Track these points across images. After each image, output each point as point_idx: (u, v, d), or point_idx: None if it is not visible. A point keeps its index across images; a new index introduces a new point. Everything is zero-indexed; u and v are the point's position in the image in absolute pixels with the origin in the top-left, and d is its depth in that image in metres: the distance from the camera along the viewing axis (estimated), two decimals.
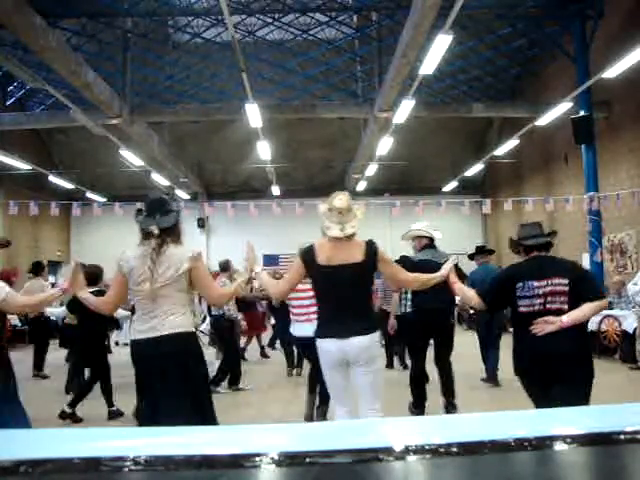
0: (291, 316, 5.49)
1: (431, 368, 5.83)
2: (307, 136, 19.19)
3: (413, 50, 9.38)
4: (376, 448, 0.81)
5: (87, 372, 7.66)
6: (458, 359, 6.04)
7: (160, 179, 17.57)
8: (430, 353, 5.76)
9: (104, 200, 18.17)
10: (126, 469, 0.77)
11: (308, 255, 3.45)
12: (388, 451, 0.80)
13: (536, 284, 3.41)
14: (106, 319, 5.71)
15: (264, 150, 14.91)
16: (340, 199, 3.46)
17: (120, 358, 6.25)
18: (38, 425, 4.44)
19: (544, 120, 12.70)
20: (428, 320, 5.48)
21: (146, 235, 3.33)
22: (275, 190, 19.33)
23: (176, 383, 3.21)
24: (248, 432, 1.03)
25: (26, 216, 14.27)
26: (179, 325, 3.24)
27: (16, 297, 3.80)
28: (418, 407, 5.57)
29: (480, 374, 7.53)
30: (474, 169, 17.74)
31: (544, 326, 3.29)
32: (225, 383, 7.32)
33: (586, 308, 3.34)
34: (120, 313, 6.50)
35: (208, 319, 8.16)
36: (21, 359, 7.72)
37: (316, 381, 5.12)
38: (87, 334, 5.95)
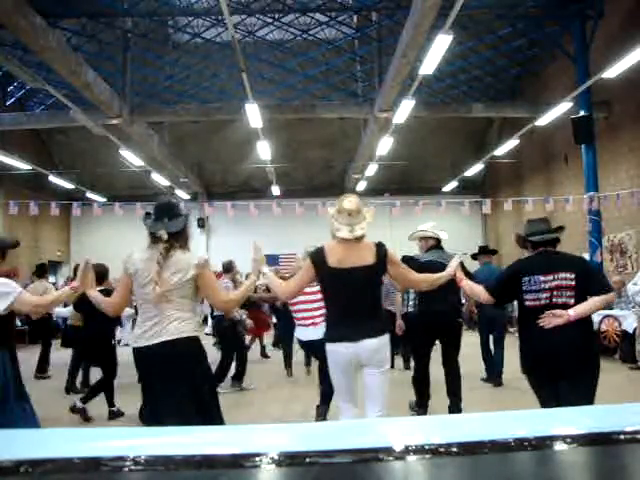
0: (295, 320, 5.47)
1: (433, 369, 5.82)
2: (307, 136, 19.19)
3: (413, 50, 9.38)
4: (376, 448, 0.81)
5: (83, 371, 7.69)
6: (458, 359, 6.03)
7: (160, 179, 17.57)
8: (433, 354, 5.75)
9: (104, 200, 18.18)
10: (126, 469, 0.77)
11: (318, 257, 3.44)
12: (388, 451, 0.80)
13: (542, 278, 3.42)
14: (112, 317, 5.74)
15: (264, 150, 14.91)
16: (350, 201, 3.45)
17: (120, 358, 6.24)
18: (42, 425, 4.44)
19: (544, 120, 12.70)
20: (435, 321, 5.46)
21: (154, 239, 3.33)
22: (275, 190, 19.33)
23: (180, 387, 3.20)
24: (248, 432, 1.03)
25: (26, 216, 14.27)
26: (182, 330, 3.22)
27: (29, 297, 3.79)
28: (422, 406, 5.56)
29: (480, 374, 7.53)
30: (474, 169, 17.73)
31: (551, 319, 3.30)
32: (225, 383, 7.32)
33: (593, 302, 3.36)
34: (125, 311, 6.53)
35: (210, 320, 8.17)
36: (22, 359, 7.71)
37: (323, 377, 5.12)
38: (95, 333, 6.00)
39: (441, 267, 4.07)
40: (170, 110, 14.57)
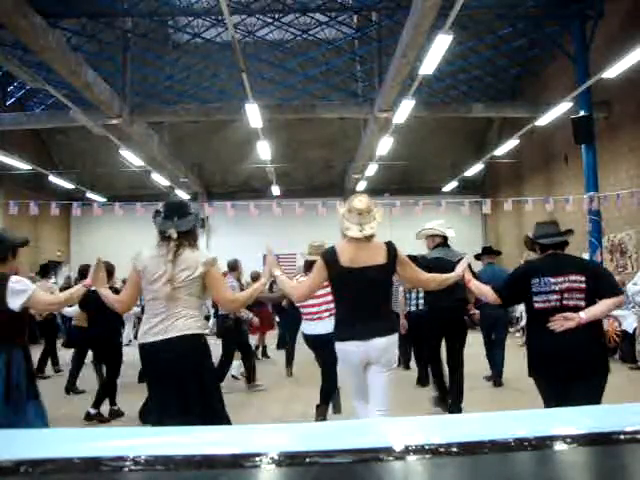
0: (302, 316, 5.50)
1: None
2: (307, 136, 19.18)
3: (413, 50, 9.38)
4: (376, 448, 0.81)
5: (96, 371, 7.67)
6: None
7: (160, 179, 17.56)
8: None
9: (104, 200, 18.18)
10: (126, 469, 0.77)
11: (330, 256, 3.46)
12: (388, 451, 0.80)
13: (552, 280, 3.41)
14: (117, 316, 5.76)
15: (264, 150, 14.90)
16: (360, 200, 3.48)
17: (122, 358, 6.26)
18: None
19: (544, 120, 12.70)
20: (441, 318, 5.50)
21: (164, 237, 3.36)
22: (275, 190, 19.32)
23: (187, 383, 3.23)
24: (248, 432, 1.03)
25: (26, 216, 14.26)
26: (188, 327, 3.25)
27: (44, 295, 3.79)
28: (444, 401, 5.63)
29: (483, 373, 7.53)
30: (474, 169, 17.73)
31: (563, 322, 3.30)
32: (224, 383, 7.32)
33: (604, 304, 3.35)
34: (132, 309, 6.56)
35: (212, 319, 8.16)
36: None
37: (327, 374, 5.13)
38: (102, 332, 6.04)
39: (448, 265, 4.08)
40: (170, 110, 14.56)
